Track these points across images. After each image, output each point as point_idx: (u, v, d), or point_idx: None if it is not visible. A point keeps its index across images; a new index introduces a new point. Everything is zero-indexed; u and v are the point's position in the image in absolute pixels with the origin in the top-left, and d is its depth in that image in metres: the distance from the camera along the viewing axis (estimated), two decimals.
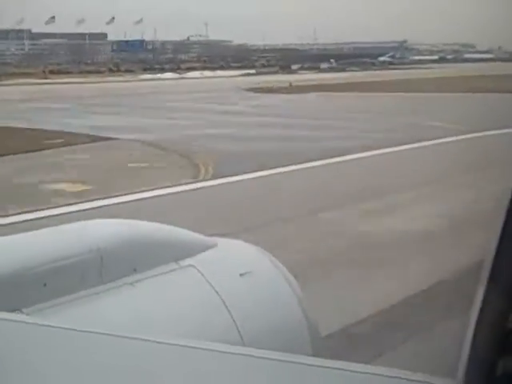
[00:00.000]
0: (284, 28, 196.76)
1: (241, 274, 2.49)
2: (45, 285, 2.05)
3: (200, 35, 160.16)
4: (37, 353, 1.45)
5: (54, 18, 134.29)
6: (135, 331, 1.53)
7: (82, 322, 1.56)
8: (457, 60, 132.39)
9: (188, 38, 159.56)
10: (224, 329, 2.26)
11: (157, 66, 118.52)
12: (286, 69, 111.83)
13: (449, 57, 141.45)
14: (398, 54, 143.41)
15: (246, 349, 1.88)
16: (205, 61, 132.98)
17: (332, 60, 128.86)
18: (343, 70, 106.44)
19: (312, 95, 48.74)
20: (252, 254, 2.73)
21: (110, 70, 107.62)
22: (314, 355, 2.34)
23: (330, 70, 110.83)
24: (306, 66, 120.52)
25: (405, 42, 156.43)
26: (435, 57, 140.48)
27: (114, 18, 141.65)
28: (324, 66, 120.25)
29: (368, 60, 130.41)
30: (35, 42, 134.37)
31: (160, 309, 2.22)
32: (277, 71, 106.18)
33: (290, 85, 58.63)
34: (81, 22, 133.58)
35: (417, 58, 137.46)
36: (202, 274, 2.40)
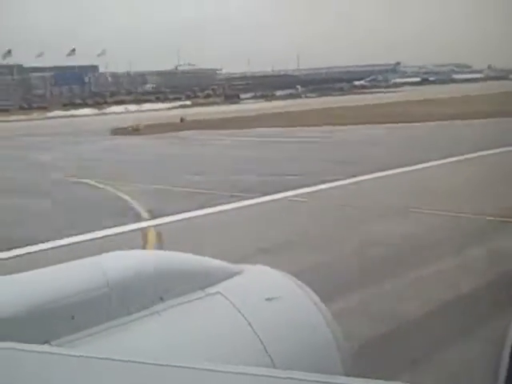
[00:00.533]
0: (274, 53, 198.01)
1: (267, 299, 2.48)
2: (73, 317, 2.06)
3: (189, 64, 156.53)
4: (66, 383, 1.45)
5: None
6: (163, 360, 1.51)
7: (110, 353, 1.54)
8: (443, 81, 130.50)
9: (176, 68, 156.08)
10: (254, 353, 2.25)
11: (78, 101, 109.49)
12: (232, 98, 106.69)
13: (431, 78, 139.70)
14: (380, 77, 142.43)
15: (277, 371, 1.88)
16: (160, 92, 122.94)
17: (298, 86, 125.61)
18: (299, 97, 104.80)
19: (165, 138, 37.23)
20: (278, 278, 2.73)
21: (21, 108, 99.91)
22: (345, 375, 2.36)
23: (287, 97, 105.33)
24: (259, 94, 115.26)
25: (398, 64, 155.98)
26: (417, 79, 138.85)
27: (74, 50, 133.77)
28: (281, 93, 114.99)
29: (341, 85, 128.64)
30: None
31: (188, 337, 2.22)
32: (221, 101, 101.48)
33: (182, 120, 49.36)
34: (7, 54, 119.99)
35: (399, 80, 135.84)
36: (229, 301, 2.40)
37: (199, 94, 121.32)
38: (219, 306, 2.38)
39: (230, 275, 2.56)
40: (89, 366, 1.52)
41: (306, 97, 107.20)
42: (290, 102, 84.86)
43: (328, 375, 1.43)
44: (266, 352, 2.27)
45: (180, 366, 1.46)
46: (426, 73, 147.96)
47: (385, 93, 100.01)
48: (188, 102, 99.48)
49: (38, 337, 1.93)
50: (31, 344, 1.67)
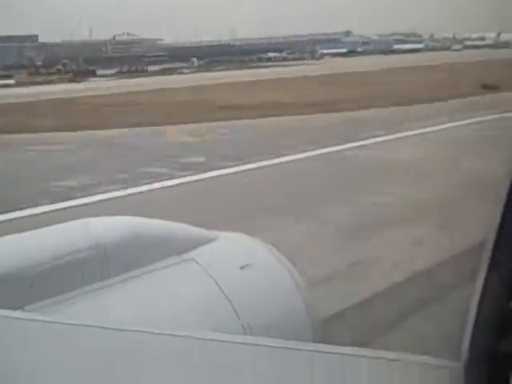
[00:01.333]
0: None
1: (241, 266, 2.53)
2: (49, 281, 2.09)
3: (128, 33, 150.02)
4: (40, 350, 1.47)
5: None
6: (139, 324, 1.56)
7: (87, 317, 1.60)
8: (375, 51, 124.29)
9: (114, 38, 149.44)
10: (226, 319, 2.30)
11: None
12: (84, 75, 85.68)
13: (359, 49, 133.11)
14: (308, 48, 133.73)
15: (248, 338, 1.95)
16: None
17: (194, 59, 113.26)
18: (176, 72, 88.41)
19: None
20: (252, 246, 2.77)
21: None
22: (314, 342, 2.40)
23: (160, 73, 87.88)
24: (125, 69, 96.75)
25: (348, 32, 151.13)
26: (343, 50, 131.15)
27: None
28: (154, 68, 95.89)
29: (252, 57, 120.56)
30: None
31: (162, 302, 2.28)
32: (71, 78, 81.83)
33: None
34: None
35: (325, 51, 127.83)
36: (203, 267, 2.45)
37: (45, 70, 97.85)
38: (193, 272, 2.43)
39: (205, 242, 2.61)
40: (63, 331, 1.54)
41: (182, 72, 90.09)
42: (159, 78, 72.81)
43: (298, 342, 1.46)
44: (238, 318, 2.33)
45: (154, 333, 1.49)
46: (364, 43, 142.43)
47: (294, 66, 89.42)
48: (11, 81, 76.40)
49: (12, 302, 1.94)
50: (4, 309, 1.67)
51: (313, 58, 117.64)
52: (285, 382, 1.39)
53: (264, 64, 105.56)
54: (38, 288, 2.06)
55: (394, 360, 1.33)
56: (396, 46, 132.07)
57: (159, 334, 1.49)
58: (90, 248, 2.23)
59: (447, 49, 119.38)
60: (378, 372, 1.34)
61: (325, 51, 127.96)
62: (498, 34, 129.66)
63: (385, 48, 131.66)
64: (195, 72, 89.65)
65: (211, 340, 1.48)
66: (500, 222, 1.17)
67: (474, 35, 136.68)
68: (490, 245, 1.18)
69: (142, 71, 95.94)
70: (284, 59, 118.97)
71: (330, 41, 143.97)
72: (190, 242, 2.55)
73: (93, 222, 2.43)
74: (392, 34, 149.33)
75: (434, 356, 1.33)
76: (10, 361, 1.45)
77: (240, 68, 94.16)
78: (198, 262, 2.47)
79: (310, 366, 1.37)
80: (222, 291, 2.38)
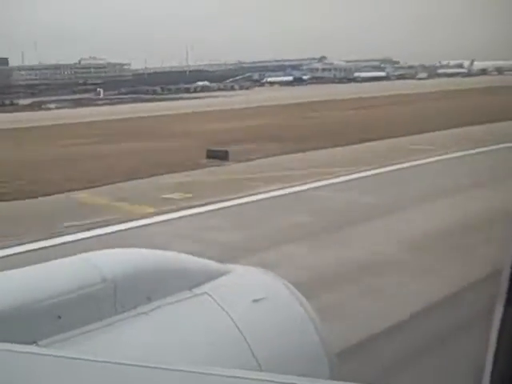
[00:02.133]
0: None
1: (255, 300, 2.51)
2: (59, 317, 2.07)
3: (95, 57, 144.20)
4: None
5: None
6: (151, 360, 1.55)
7: (98, 353, 1.60)
8: (325, 80, 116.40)
9: (79, 62, 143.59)
10: (240, 355, 2.28)
11: None
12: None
13: (305, 77, 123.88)
14: (256, 76, 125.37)
15: (264, 374, 1.90)
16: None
17: (100, 89, 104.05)
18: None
19: None
20: (266, 279, 2.78)
21: None
22: (331, 379, 2.41)
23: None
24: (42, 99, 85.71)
25: (323, 58, 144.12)
26: (289, 78, 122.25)
27: None
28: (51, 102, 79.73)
29: (178, 86, 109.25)
30: None
31: (174, 337, 2.25)
32: None
33: None
34: None
35: (270, 79, 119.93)
36: (216, 301, 2.43)
37: None
38: (206, 306, 2.42)
39: (218, 275, 2.58)
40: (75, 366, 1.53)
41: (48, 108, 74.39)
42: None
43: (315, 379, 1.51)
44: (253, 354, 2.30)
45: (166, 369, 1.49)
46: (325, 69, 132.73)
47: (213, 97, 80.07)
48: None
49: (24, 337, 1.93)
50: (19, 344, 1.68)
51: (241, 88, 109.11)
52: None
53: (185, 95, 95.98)
54: (49, 323, 2.06)
55: None
56: (356, 74, 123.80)
57: (171, 369, 1.49)
58: (100, 282, 2.20)
59: (413, 77, 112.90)
60: None
61: (270, 79, 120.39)
62: (471, 62, 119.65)
63: (345, 75, 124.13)
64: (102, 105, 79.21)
65: (225, 376, 1.49)
66: None
67: (452, 62, 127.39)
68: (506, 275, 1.18)
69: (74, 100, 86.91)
70: (212, 89, 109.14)
71: (284, 67, 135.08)
72: (202, 275, 2.54)
73: (101, 254, 2.42)
74: (365, 61, 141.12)
75: None
76: None
77: (150, 100, 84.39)
78: (211, 296, 2.45)
79: None
80: (236, 326, 2.36)
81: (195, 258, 2.62)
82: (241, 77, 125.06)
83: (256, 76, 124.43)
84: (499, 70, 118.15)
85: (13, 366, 1.53)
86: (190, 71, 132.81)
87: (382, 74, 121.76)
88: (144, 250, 2.52)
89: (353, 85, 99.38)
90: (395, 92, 66.30)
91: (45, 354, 1.63)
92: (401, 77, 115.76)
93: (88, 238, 12.30)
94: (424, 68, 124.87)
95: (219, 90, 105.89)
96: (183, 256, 2.60)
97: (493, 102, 44.66)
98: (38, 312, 2.02)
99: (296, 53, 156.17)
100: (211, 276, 2.52)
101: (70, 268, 2.28)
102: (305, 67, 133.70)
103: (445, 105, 46.64)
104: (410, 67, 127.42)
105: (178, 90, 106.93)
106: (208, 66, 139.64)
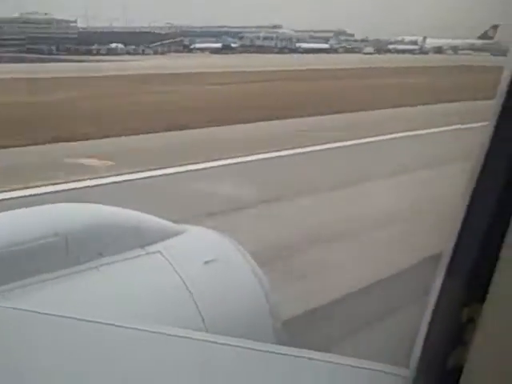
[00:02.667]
0: None
1: (206, 262, 2.51)
2: (9, 267, 2.06)
3: (37, 12, 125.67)
4: None
5: None
6: (99, 315, 1.57)
7: (48, 305, 1.61)
8: (262, 50, 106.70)
9: (21, 15, 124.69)
10: (187, 315, 2.29)
11: None
12: None
13: (234, 45, 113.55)
14: (186, 40, 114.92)
15: (208, 335, 1.87)
16: None
17: None
18: None
19: None
20: (219, 241, 2.78)
21: None
22: (276, 342, 2.43)
23: None
24: None
25: (276, 27, 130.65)
26: (218, 45, 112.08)
27: None
28: None
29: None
30: None
31: (124, 293, 2.23)
32: None
33: None
34: None
35: (199, 45, 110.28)
36: (168, 261, 2.43)
37: None
38: (158, 265, 2.42)
39: (172, 235, 2.57)
40: (20, 318, 1.54)
41: None
42: None
43: (258, 342, 1.46)
44: (200, 314, 2.31)
45: (112, 324, 1.50)
46: (266, 38, 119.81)
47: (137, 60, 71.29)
48: None
49: None
50: None
51: (155, 53, 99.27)
52: (239, 381, 1.39)
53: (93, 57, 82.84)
54: (2, 271, 2.04)
55: (350, 366, 1.38)
56: (298, 45, 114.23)
57: (117, 325, 1.50)
58: (52, 235, 2.19)
59: (359, 51, 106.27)
60: (326, 375, 1.38)
61: (199, 45, 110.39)
62: (424, 39, 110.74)
63: (286, 45, 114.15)
64: None
65: (169, 335, 1.50)
66: (460, 227, 1.15)
67: (408, 38, 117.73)
68: (448, 251, 1.18)
69: None
70: (128, 52, 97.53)
71: (222, 34, 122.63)
72: (156, 234, 2.52)
73: (56, 208, 2.41)
74: (318, 31, 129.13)
75: None
76: None
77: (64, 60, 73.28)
78: (163, 255, 2.46)
79: (267, 368, 1.39)
80: (186, 285, 2.37)
81: (150, 217, 2.58)
82: (170, 41, 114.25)
83: (187, 41, 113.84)
84: (455, 50, 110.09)
85: None
86: (113, 32, 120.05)
87: (326, 45, 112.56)
88: (99, 206, 2.47)
89: (287, 56, 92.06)
90: (324, 66, 57.78)
91: None
92: (347, 50, 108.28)
93: None
94: (375, 43, 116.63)
95: (128, 53, 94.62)
96: (138, 214, 2.55)
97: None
98: None
99: (251, 20, 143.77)
100: (165, 235, 2.51)
101: (23, 220, 2.27)
102: (248, 35, 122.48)
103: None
104: (362, 41, 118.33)
105: (77, 52, 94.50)
106: (142, 28, 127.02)
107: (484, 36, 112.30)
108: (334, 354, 1.42)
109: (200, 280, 2.41)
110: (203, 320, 2.28)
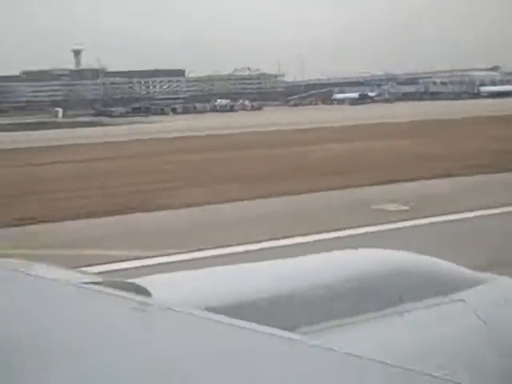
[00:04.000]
0: None
1: None
2: (311, 309, 2.15)
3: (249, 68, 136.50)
4: None
5: None
6: (400, 360, 1.52)
7: (348, 347, 1.57)
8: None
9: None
10: (493, 368, 2.23)
11: None
12: None
13: (371, 94, 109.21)
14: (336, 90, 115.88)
15: None
16: None
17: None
18: None
19: None
20: None
21: None
22: None
23: None
24: None
25: (497, 67, 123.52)
26: (355, 95, 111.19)
27: None
28: None
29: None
30: None
31: (426, 341, 2.22)
32: None
33: None
34: None
35: (338, 96, 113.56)
36: (473, 310, 2.36)
37: None
38: (462, 314, 2.36)
39: (474, 283, 2.51)
40: (322, 357, 1.52)
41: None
42: None
43: None
44: (499, 362, 2.26)
45: (412, 370, 1.44)
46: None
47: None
48: None
49: (279, 324, 1.88)
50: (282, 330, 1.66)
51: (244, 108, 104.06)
52: None
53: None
54: (307, 313, 2.13)
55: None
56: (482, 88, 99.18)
57: (422, 374, 1.42)
58: (352, 280, 2.26)
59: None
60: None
61: (338, 96, 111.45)
62: None
63: (464, 90, 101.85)
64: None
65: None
66: None
67: None
68: None
69: None
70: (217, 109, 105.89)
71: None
72: (457, 281, 2.43)
73: (352, 253, 2.50)
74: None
75: None
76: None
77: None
78: (467, 304, 2.36)
79: None
80: (493, 335, 2.28)
81: (450, 264, 2.56)
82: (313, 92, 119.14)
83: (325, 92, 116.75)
84: None
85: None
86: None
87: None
88: (395, 252, 2.55)
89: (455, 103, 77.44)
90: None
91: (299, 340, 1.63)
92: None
93: None
94: None
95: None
96: (437, 260, 2.56)
97: None
98: (293, 303, 2.09)
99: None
100: (467, 284, 2.43)
101: (320, 264, 2.34)
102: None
103: None
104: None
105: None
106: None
107: None
108: None
109: (507, 329, 2.28)
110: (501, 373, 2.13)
